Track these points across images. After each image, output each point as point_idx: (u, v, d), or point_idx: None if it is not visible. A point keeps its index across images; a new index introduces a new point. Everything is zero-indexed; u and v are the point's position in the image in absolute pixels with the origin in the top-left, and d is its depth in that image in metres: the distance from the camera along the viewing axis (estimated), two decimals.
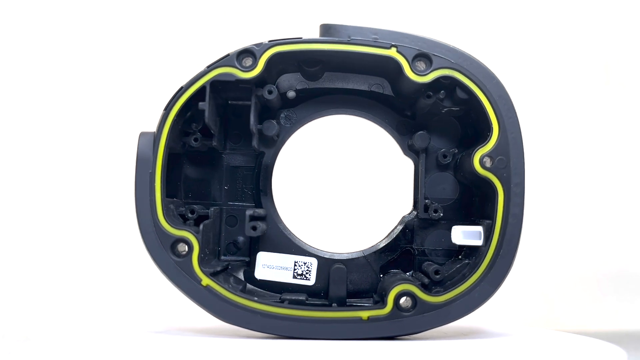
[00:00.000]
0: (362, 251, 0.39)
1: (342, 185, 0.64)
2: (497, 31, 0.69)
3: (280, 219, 0.40)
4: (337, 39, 0.35)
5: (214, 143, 0.38)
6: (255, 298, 0.34)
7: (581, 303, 0.67)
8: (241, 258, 0.39)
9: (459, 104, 0.36)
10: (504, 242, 0.33)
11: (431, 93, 0.36)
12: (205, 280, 0.34)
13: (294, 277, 0.39)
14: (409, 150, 0.39)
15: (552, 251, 0.68)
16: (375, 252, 0.39)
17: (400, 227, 0.39)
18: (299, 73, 0.39)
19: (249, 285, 0.39)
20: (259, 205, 0.39)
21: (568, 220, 0.68)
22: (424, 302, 0.33)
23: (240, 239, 0.39)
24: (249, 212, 0.36)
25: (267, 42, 0.35)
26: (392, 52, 0.34)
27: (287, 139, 0.40)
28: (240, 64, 0.35)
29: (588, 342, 0.36)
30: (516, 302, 0.64)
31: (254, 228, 0.36)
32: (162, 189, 0.35)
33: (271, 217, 0.39)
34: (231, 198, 0.40)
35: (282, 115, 0.39)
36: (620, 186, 0.69)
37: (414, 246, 0.38)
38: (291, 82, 0.40)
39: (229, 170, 0.40)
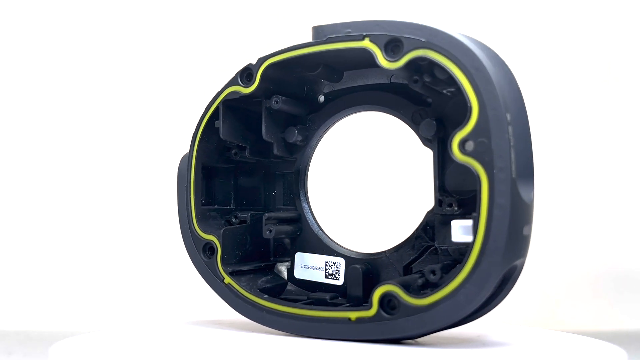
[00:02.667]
0: (386, 251, 0.37)
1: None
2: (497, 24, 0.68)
3: (313, 220, 0.41)
4: (315, 40, 0.35)
5: (247, 154, 0.41)
6: (266, 296, 0.37)
7: (581, 303, 0.67)
8: (286, 259, 0.42)
9: (449, 84, 0.32)
10: (489, 238, 0.28)
11: (417, 77, 0.33)
12: (227, 279, 0.38)
13: (326, 276, 0.39)
14: (427, 140, 0.36)
15: (553, 251, 0.66)
16: (397, 251, 0.37)
17: (421, 225, 0.36)
18: (322, 78, 0.39)
19: (289, 285, 0.41)
20: (294, 208, 0.41)
21: (568, 221, 0.67)
22: (407, 305, 0.30)
23: (286, 240, 0.41)
24: (264, 216, 0.39)
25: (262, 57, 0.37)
26: (366, 43, 0.33)
27: (317, 143, 0.41)
28: (243, 81, 0.38)
29: (588, 342, 0.34)
30: (516, 303, 0.62)
31: (269, 231, 0.38)
32: (196, 199, 0.39)
33: (304, 219, 0.41)
34: (278, 203, 0.43)
35: (308, 120, 0.41)
36: (621, 187, 0.67)
37: (436, 244, 0.35)
38: (319, 87, 0.41)
39: (274, 177, 0.43)
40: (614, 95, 0.69)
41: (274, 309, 0.35)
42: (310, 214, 0.41)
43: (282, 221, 0.40)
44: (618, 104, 0.69)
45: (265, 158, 0.42)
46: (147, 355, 0.30)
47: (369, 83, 0.39)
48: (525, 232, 0.29)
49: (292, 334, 0.35)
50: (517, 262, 0.30)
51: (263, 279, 0.40)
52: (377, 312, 0.31)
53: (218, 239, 0.38)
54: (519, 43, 0.69)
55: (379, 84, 0.39)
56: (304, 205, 0.41)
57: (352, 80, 0.39)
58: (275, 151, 0.40)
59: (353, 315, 0.32)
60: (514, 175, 0.28)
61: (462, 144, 0.29)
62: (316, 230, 0.40)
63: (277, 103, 0.38)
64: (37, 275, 0.73)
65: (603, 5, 0.69)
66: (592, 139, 0.69)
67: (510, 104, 0.29)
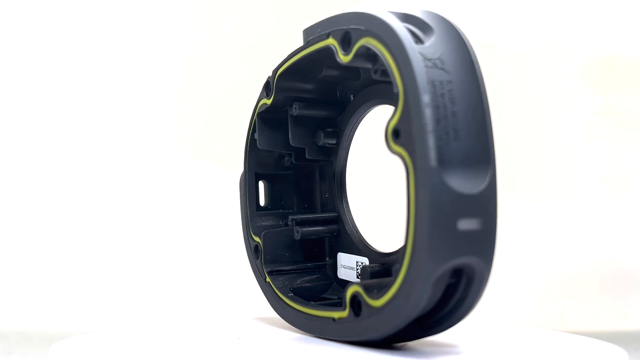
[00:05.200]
0: (399, 249, 0.34)
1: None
2: None
3: (348, 220, 0.40)
4: (300, 46, 0.34)
5: (293, 160, 0.43)
6: (291, 294, 0.38)
7: (581, 303, 0.67)
8: (334, 259, 0.42)
9: None
10: (416, 236, 0.23)
11: (377, 67, 0.30)
12: (267, 278, 0.40)
13: (357, 276, 0.38)
14: None
15: (552, 251, 0.67)
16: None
17: None
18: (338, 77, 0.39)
19: (335, 284, 0.41)
20: (334, 209, 0.41)
21: (568, 220, 0.68)
22: (368, 306, 0.28)
23: (334, 241, 0.42)
24: (289, 218, 0.39)
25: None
26: (330, 41, 0.32)
27: (348, 143, 0.41)
28: (267, 93, 0.40)
29: (588, 342, 0.34)
30: (516, 302, 0.64)
31: (297, 232, 0.39)
32: (250, 205, 0.43)
33: (341, 219, 0.40)
34: (331, 204, 0.43)
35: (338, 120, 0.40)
36: (622, 186, 0.68)
37: None
38: (349, 87, 0.40)
39: (327, 179, 0.43)
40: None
41: (292, 306, 0.37)
42: (346, 214, 0.41)
43: (314, 222, 0.41)
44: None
45: (312, 162, 0.44)
46: (148, 356, 0.31)
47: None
48: (463, 226, 0.24)
49: (301, 330, 0.36)
50: (469, 261, 0.25)
51: (305, 278, 0.42)
52: (349, 313, 0.31)
53: (261, 242, 0.42)
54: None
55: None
56: (342, 205, 0.41)
57: (368, 75, 0.38)
58: (308, 155, 0.41)
59: (336, 315, 0.32)
60: (433, 164, 0.24)
61: (394, 133, 0.26)
62: (349, 230, 0.40)
63: (296, 109, 0.40)
64: (37, 275, 0.73)
65: None
66: (595, 136, 0.69)
67: (438, 85, 0.25)
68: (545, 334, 0.36)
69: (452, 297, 0.28)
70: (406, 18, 0.30)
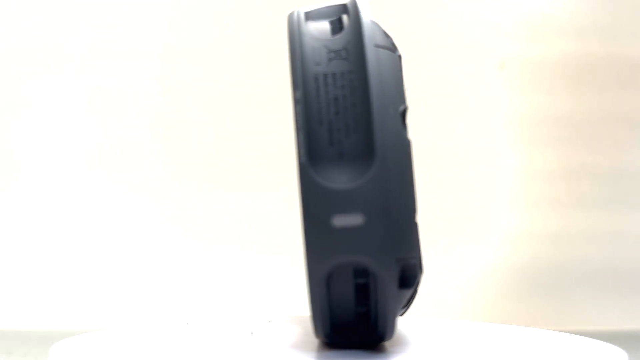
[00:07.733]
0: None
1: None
2: None
3: None
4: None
5: None
6: None
7: (581, 303, 0.66)
8: None
9: None
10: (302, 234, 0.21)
11: None
12: None
13: None
14: None
15: (552, 250, 0.66)
16: None
17: None
18: None
19: None
20: None
21: (567, 219, 0.67)
22: None
23: None
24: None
25: None
26: None
27: None
28: None
29: (588, 342, 0.34)
30: (515, 302, 0.64)
31: None
32: None
33: None
34: None
35: None
36: (623, 185, 0.67)
37: None
38: None
39: None
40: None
41: None
42: None
43: None
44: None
45: None
46: (148, 356, 0.31)
47: None
48: (339, 223, 0.22)
49: None
50: (358, 260, 0.22)
51: None
52: None
53: None
54: None
55: None
56: None
57: None
58: None
59: None
60: (302, 160, 0.23)
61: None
62: None
63: None
64: (37, 275, 0.71)
65: None
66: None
67: (339, 76, 0.24)
68: (544, 334, 0.36)
69: (369, 298, 0.25)
70: (345, 9, 0.29)
